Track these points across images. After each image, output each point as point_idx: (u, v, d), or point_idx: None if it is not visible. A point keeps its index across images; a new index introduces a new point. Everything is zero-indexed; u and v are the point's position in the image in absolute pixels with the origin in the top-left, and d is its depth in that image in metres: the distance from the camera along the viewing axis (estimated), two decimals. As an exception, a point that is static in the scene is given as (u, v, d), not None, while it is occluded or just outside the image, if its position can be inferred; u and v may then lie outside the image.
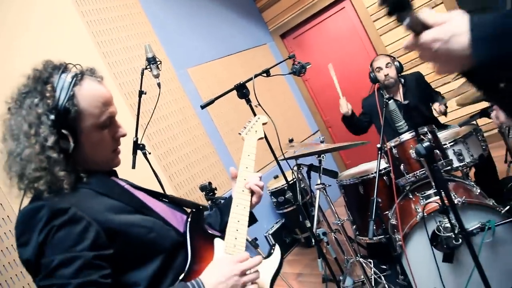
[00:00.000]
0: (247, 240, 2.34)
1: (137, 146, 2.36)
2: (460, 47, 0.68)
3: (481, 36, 0.66)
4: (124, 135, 1.13)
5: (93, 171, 1.07)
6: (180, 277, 1.03)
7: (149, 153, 2.39)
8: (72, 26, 3.14)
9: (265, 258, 1.21)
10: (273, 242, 3.16)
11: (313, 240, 2.33)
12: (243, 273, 1.02)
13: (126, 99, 3.28)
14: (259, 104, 2.07)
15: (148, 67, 2.38)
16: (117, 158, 1.14)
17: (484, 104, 2.50)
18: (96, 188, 1.03)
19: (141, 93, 2.44)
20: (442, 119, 3.18)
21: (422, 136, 2.20)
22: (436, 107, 2.88)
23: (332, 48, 4.93)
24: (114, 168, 1.17)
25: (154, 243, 1.03)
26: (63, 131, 0.99)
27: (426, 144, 1.43)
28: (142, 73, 2.44)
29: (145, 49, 2.37)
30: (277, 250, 1.23)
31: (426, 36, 0.71)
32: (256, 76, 2.16)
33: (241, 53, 4.69)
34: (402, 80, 3.11)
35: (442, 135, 2.72)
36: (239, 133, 1.44)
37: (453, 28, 0.69)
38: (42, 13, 2.97)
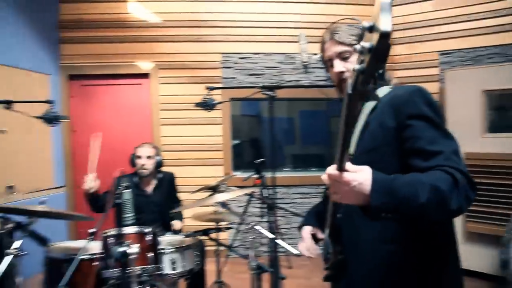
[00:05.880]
0: None
1: None
2: (365, 190, 0.96)
3: (376, 188, 0.96)
4: None
5: None
6: None
7: None
8: None
9: None
10: None
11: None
12: None
13: None
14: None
15: None
16: None
17: (210, 225, 2.73)
18: None
19: None
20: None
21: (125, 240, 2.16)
22: (175, 223, 3.08)
23: (114, 112, 4.81)
24: None
25: None
26: None
27: (123, 248, 1.37)
28: None
29: None
30: None
31: (349, 175, 0.95)
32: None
33: (14, 69, 4.05)
34: (159, 176, 3.19)
35: (166, 239, 2.79)
36: None
37: (365, 176, 0.97)
38: None
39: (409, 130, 1.16)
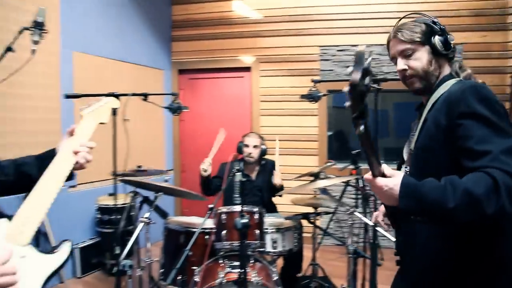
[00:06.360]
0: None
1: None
2: (395, 194, 1.07)
3: (403, 193, 1.07)
4: None
5: None
6: None
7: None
8: None
9: (49, 252, 1.13)
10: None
11: (115, 269, 2.27)
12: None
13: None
14: (123, 120, 2.07)
15: (31, 29, 2.20)
16: None
17: (309, 209, 2.89)
18: None
19: (8, 49, 2.22)
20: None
21: (246, 214, 2.41)
22: (275, 175, 3.28)
23: (217, 103, 5.21)
24: None
25: None
26: None
27: (244, 220, 1.60)
28: (21, 32, 2.23)
29: (38, 11, 2.20)
30: (65, 247, 1.16)
31: (381, 181, 1.09)
32: (134, 94, 2.17)
33: (136, 65, 4.63)
34: (262, 162, 3.44)
35: (269, 220, 3.01)
36: (80, 109, 1.37)
37: (395, 181, 1.08)
38: None
39: (460, 129, 1.15)
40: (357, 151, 3.49)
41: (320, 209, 2.90)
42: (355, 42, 4.79)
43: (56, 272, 1.12)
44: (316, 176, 2.68)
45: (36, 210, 1.10)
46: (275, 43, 4.98)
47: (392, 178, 1.09)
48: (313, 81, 2.63)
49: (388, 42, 1.43)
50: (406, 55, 1.36)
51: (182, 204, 5.36)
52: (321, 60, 4.87)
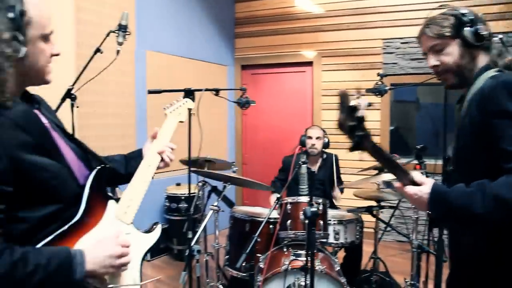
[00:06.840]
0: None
1: (69, 95, 2.35)
2: (424, 201, 1.14)
3: (431, 200, 1.13)
4: (58, 54, 1.12)
5: (20, 94, 1.07)
6: (65, 228, 1.06)
7: (77, 107, 2.38)
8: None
9: (145, 232, 1.30)
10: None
11: (187, 252, 2.44)
12: (120, 256, 1.09)
13: (79, 48, 3.23)
14: (197, 114, 2.23)
15: (117, 32, 2.43)
16: (50, 75, 1.12)
17: (372, 203, 2.91)
18: (16, 119, 0.99)
19: (97, 50, 2.46)
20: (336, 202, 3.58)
21: (314, 203, 2.49)
22: (336, 192, 3.33)
23: (279, 98, 5.31)
24: (38, 101, 1.16)
25: (54, 190, 1.05)
26: (17, 34, 0.96)
27: (313, 209, 1.69)
28: (108, 34, 2.47)
29: (122, 15, 2.42)
30: (158, 228, 1.33)
31: (411, 189, 1.16)
32: (207, 90, 2.32)
33: (202, 62, 4.85)
34: (324, 155, 3.50)
35: (331, 212, 3.07)
36: (164, 108, 1.53)
37: (424, 189, 1.14)
38: None
39: (494, 129, 1.13)
40: (421, 145, 3.43)
41: (383, 203, 2.91)
42: (420, 34, 4.64)
43: (151, 249, 1.30)
44: (380, 169, 2.70)
45: (135, 195, 1.28)
46: (337, 37, 4.96)
47: (422, 186, 1.15)
48: (379, 75, 2.64)
49: (419, 37, 1.39)
50: (437, 50, 1.32)
51: (243, 195, 5.55)
52: (384, 53, 4.78)
